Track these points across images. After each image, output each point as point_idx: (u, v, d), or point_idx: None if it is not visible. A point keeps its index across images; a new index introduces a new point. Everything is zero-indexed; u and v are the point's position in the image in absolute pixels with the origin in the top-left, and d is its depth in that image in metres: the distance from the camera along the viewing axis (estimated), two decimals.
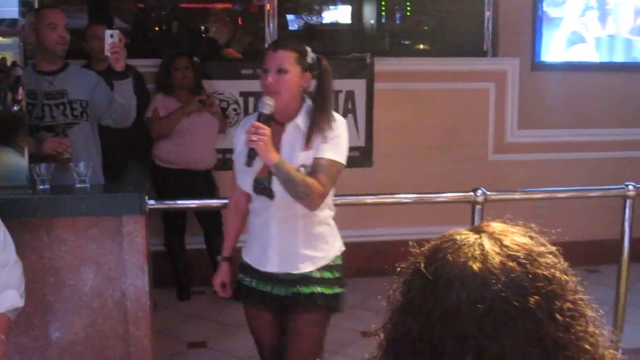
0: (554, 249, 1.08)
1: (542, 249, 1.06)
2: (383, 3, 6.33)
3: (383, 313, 1.14)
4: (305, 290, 2.82)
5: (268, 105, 2.67)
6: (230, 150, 5.30)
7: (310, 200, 2.69)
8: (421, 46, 6.53)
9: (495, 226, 1.09)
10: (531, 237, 1.08)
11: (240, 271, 2.97)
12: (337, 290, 2.89)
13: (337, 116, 2.83)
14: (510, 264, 1.01)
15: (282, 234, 2.82)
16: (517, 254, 1.03)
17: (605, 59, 6.08)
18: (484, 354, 0.97)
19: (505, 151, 5.81)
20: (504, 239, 1.05)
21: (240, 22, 6.51)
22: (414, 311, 1.04)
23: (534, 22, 5.89)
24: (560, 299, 1.02)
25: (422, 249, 1.10)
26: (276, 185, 2.73)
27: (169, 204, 4.21)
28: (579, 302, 1.05)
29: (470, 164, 5.60)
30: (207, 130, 5.06)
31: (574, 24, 5.97)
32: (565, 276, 1.05)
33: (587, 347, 1.01)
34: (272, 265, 2.84)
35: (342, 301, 2.93)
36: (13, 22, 3.54)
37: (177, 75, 5.00)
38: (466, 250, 1.04)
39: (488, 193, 3.66)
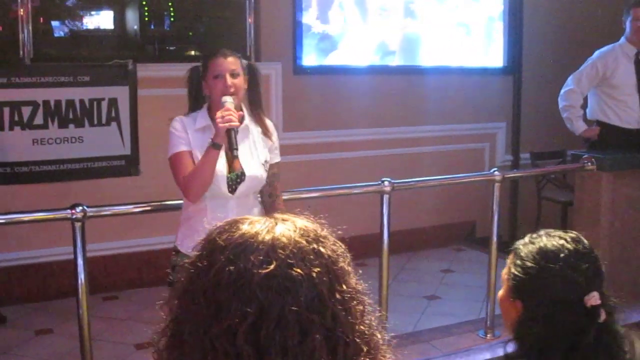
0: (342, 245, 1.15)
1: (330, 236, 1.14)
2: (146, 9, 6.22)
3: (158, 323, 1.13)
4: None
5: (230, 102, 2.98)
6: None
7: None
8: (193, 52, 6.46)
9: (288, 216, 1.15)
10: (321, 228, 1.14)
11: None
12: None
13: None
14: (299, 239, 1.08)
15: None
16: (307, 233, 1.10)
17: (364, 62, 6.40)
18: (265, 316, 1.01)
19: None
20: (296, 222, 1.12)
21: None
22: (203, 275, 1.06)
23: (294, 27, 6.07)
24: (341, 281, 1.09)
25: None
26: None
27: None
28: (359, 292, 1.12)
29: None
30: None
31: (325, 28, 6.22)
32: (348, 267, 1.12)
33: (364, 329, 1.09)
34: None
35: None
36: None
37: None
38: (260, 226, 1.09)
39: None
